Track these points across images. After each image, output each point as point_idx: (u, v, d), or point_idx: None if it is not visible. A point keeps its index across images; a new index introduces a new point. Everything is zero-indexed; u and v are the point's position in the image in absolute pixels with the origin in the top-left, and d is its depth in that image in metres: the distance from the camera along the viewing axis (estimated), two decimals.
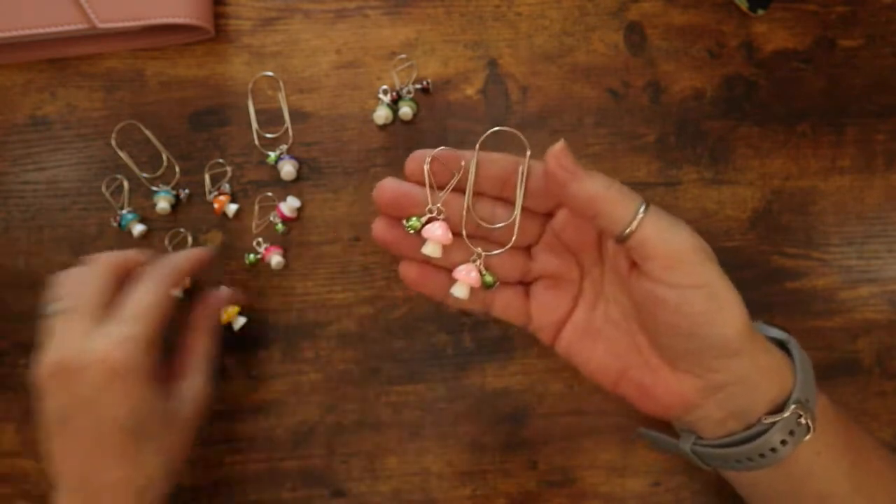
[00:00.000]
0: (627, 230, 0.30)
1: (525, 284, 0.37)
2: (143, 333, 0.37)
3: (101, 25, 0.46)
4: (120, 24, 0.46)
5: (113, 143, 0.49)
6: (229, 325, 0.48)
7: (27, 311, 0.49)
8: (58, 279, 0.40)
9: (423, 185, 0.34)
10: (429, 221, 0.33)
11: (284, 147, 0.49)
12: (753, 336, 0.32)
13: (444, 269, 0.35)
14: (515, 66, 0.50)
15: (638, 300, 0.32)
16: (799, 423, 0.32)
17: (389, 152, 0.49)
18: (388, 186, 0.35)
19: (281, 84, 0.49)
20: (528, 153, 0.32)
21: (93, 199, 0.49)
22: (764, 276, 0.50)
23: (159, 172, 0.49)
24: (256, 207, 0.49)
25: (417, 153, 0.34)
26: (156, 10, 0.46)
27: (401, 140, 0.49)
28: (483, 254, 0.33)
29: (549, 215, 0.36)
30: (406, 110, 0.48)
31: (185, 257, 0.43)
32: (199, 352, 0.43)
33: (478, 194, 0.34)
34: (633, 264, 0.32)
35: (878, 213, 0.51)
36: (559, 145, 0.31)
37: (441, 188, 0.34)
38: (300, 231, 0.49)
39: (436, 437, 0.50)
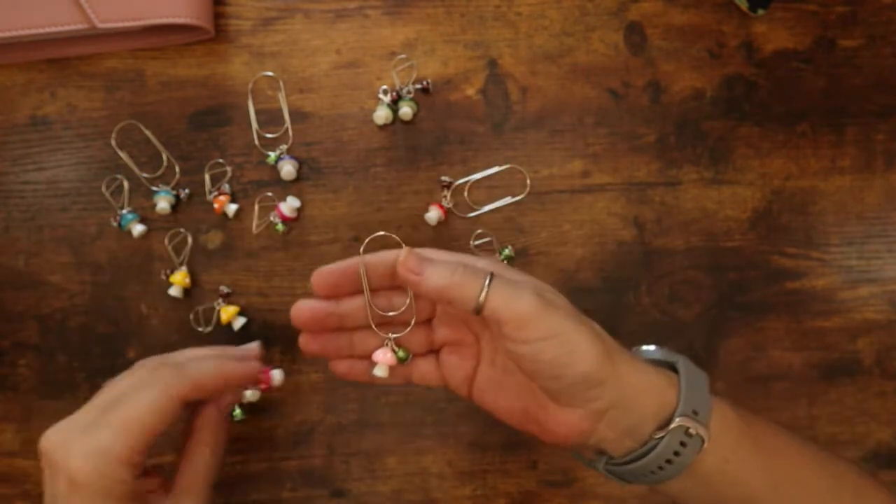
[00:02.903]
0: (476, 306, 0.34)
1: (434, 352, 0.41)
2: (123, 449, 0.34)
3: (101, 25, 0.46)
4: (120, 24, 0.46)
5: (113, 143, 0.49)
6: (229, 325, 0.48)
7: (27, 311, 0.49)
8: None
9: (332, 295, 0.38)
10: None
11: (284, 147, 0.49)
12: (616, 364, 0.35)
13: (367, 359, 0.40)
14: (515, 66, 0.50)
15: (508, 355, 0.37)
16: (689, 434, 0.35)
17: (389, 152, 0.49)
18: (304, 307, 0.38)
19: (281, 84, 0.49)
20: (405, 249, 0.36)
21: (93, 199, 0.49)
22: (764, 276, 0.50)
23: (159, 172, 0.49)
24: (256, 207, 0.49)
25: (320, 271, 0.38)
26: (156, 10, 0.46)
27: (401, 140, 0.49)
28: (392, 336, 0.39)
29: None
30: (406, 110, 0.48)
31: (219, 369, 0.39)
32: (197, 469, 0.39)
33: (375, 290, 0.38)
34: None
35: (878, 213, 0.51)
36: (403, 253, 0.36)
37: (349, 295, 0.38)
38: (300, 231, 0.49)
39: (436, 437, 0.50)
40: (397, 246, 0.37)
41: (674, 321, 0.50)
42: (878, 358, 0.51)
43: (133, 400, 0.35)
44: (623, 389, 0.35)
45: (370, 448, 0.49)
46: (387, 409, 0.49)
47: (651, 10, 0.50)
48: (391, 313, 0.39)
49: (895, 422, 0.51)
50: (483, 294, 0.34)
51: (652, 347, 0.41)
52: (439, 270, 0.35)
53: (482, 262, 0.37)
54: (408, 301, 0.38)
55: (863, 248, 0.51)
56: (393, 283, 0.38)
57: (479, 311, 0.34)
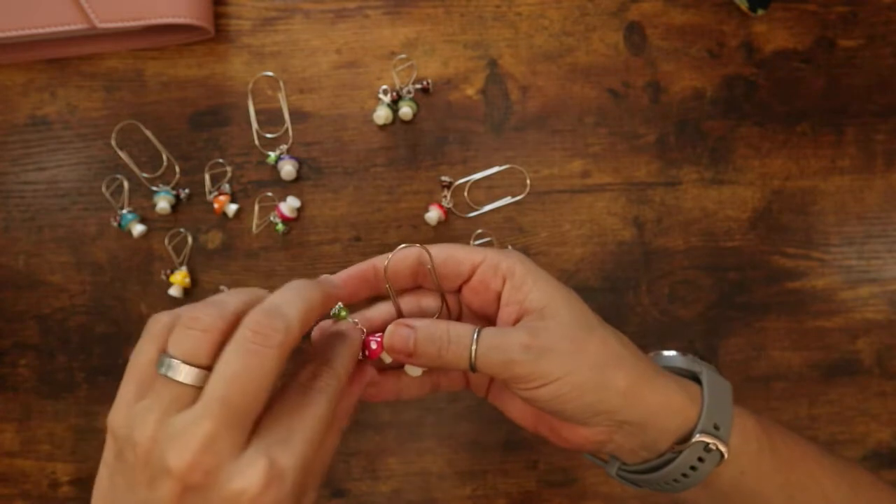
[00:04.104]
0: (472, 368, 0.34)
1: None
2: (298, 463, 0.28)
3: (101, 25, 0.46)
4: (120, 24, 0.46)
5: (113, 143, 0.49)
6: None
7: (27, 311, 0.49)
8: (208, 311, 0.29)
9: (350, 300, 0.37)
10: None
11: (284, 147, 0.49)
12: (625, 387, 0.34)
13: (392, 372, 0.38)
14: (515, 66, 0.50)
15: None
16: (708, 450, 0.34)
17: (389, 152, 0.49)
18: (321, 330, 0.36)
19: (281, 84, 0.49)
20: (431, 264, 0.36)
21: (93, 199, 0.49)
22: (764, 276, 0.50)
23: (159, 172, 0.49)
24: (256, 207, 0.49)
25: (338, 277, 0.36)
26: (156, 10, 0.46)
27: (401, 140, 0.49)
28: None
29: (460, 290, 0.39)
30: (406, 110, 0.48)
31: (352, 354, 0.34)
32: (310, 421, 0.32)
33: (399, 294, 0.38)
34: None
35: (878, 213, 0.51)
36: (388, 336, 0.35)
37: (364, 299, 0.37)
38: (300, 231, 0.49)
39: (436, 437, 0.50)
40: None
41: (674, 321, 0.50)
42: (878, 358, 0.51)
43: (303, 409, 0.30)
44: (642, 410, 0.34)
45: (370, 448, 0.49)
46: (387, 409, 0.49)
47: (651, 10, 0.50)
48: (431, 318, 0.37)
49: (895, 422, 0.51)
50: (473, 360, 0.34)
51: (673, 353, 0.40)
52: (427, 349, 0.34)
53: (508, 259, 0.36)
54: (441, 306, 0.37)
55: (863, 248, 0.51)
56: (415, 283, 0.37)
57: (475, 371, 0.34)
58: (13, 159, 0.49)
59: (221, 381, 0.28)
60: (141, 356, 0.30)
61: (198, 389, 0.28)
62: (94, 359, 0.49)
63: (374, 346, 0.36)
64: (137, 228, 0.48)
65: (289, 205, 0.48)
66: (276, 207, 0.48)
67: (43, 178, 0.49)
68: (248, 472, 0.27)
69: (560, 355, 0.34)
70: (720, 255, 0.50)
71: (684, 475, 0.35)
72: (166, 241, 0.49)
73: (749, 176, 0.50)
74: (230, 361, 0.28)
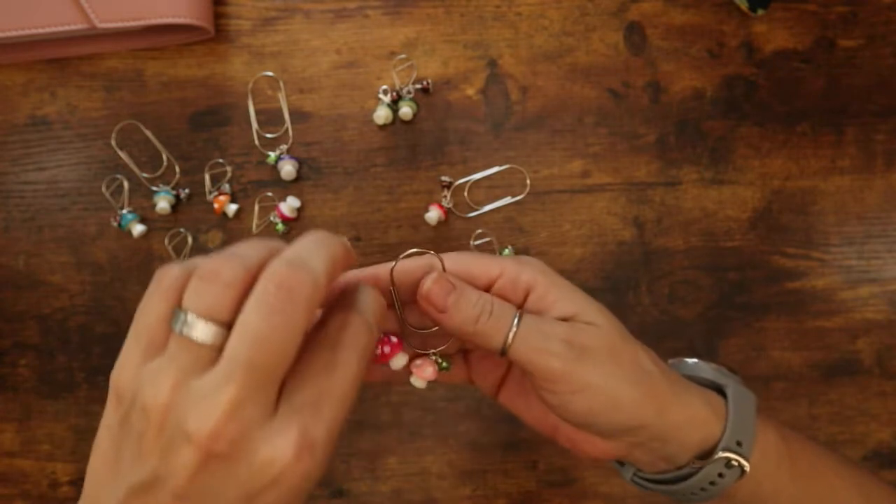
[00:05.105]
0: (501, 352, 0.32)
1: (463, 351, 0.38)
2: (329, 432, 0.26)
3: (101, 25, 0.46)
4: (120, 24, 0.46)
5: (113, 143, 0.49)
6: None
7: (27, 311, 0.49)
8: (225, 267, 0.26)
9: None
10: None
11: (284, 147, 0.49)
12: (656, 405, 0.33)
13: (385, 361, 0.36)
14: (515, 66, 0.50)
15: (539, 399, 0.34)
16: (730, 465, 0.33)
17: (389, 152, 0.49)
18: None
19: (281, 84, 0.49)
20: (441, 264, 0.33)
21: (93, 199, 0.49)
22: (764, 276, 0.50)
23: (159, 172, 0.49)
24: (256, 207, 0.49)
25: (338, 280, 0.32)
26: (156, 10, 0.46)
27: (401, 140, 0.49)
28: (435, 352, 0.35)
29: None
30: (406, 110, 0.48)
31: (377, 302, 0.30)
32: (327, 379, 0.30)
33: (403, 303, 0.35)
34: None
35: (878, 213, 0.51)
36: (429, 283, 0.32)
37: None
38: (300, 231, 0.49)
39: (436, 437, 0.50)
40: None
41: (674, 321, 0.50)
42: (878, 358, 0.51)
43: (331, 371, 0.27)
44: (665, 425, 0.33)
45: (370, 448, 0.49)
46: (387, 409, 0.49)
47: (651, 10, 0.50)
48: (432, 329, 0.35)
49: (895, 422, 0.51)
50: (508, 341, 0.31)
51: (695, 361, 0.38)
52: (464, 311, 0.31)
53: (529, 271, 0.34)
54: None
55: (863, 248, 0.51)
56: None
57: (503, 355, 0.32)
58: (13, 159, 0.49)
59: (245, 342, 0.24)
60: (150, 312, 0.27)
61: (217, 350, 0.25)
62: (94, 359, 0.49)
63: (387, 349, 0.33)
64: (137, 228, 0.48)
65: (289, 205, 0.48)
66: (276, 207, 0.48)
67: (43, 178, 0.49)
68: (278, 442, 0.25)
69: (599, 363, 0.32)
70: (720, 255, 0.50)
71: (703, 489, 0.34)
72: (166, 241, 0.49)
73: (749, 176, 0.50)
74: (253, 320, 0.25)
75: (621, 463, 0.38)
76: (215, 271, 0.25)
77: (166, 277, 0.27)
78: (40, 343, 0.49)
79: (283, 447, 0.25)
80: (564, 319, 0.33)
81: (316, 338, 0.28)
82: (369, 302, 0.29)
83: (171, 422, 0.25)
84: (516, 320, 0.32)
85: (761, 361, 0.51)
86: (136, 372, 0.27)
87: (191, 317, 0.25)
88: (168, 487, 0.25)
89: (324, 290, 0.26)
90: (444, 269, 0.33)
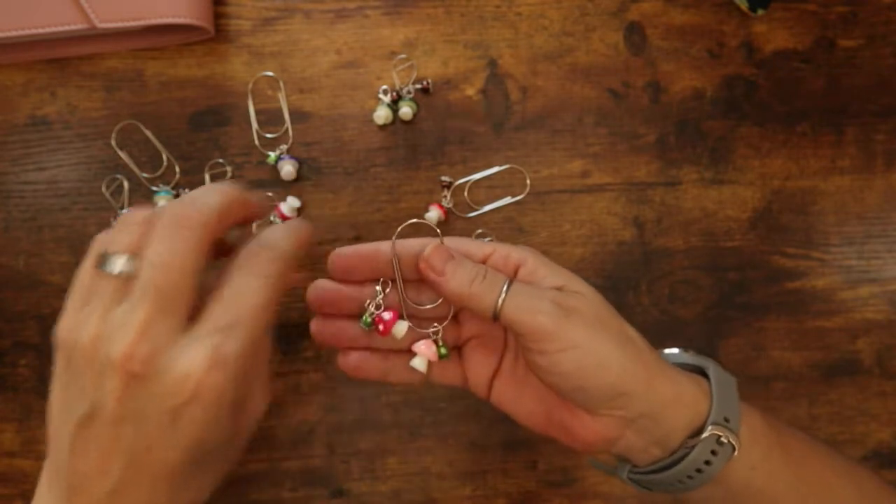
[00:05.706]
0: (493, 315, 0.34)
1: (457, 348, 0.39)
2: (242, 350, 0.28)
3: (101, 25, 0.46)
4: (120, 24, 0.46)
5: (113, 143, 0.49)
6: None
7: (27, 311, 0.49)
8: (130, 220, 0.30)
9: (348, 280, 0.36)
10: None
11: (284, 147, 0.49)
12: (644, 373, 0.34)
13: (381, 352, 0.38)
14: (515, 66, 0.50)
15: (529, 367, 0.36)
16: (721, 443, 0.34)
17: (389, 152, 0.49)
18: (320, 287, 0.36)
19: (281, 84, 0.49)
20: (440, 238, 0.36)
21: (93, 199, 0.49)
22: (764, 276, 0.50)
23: (159, 172, 0.49)
24: None
25: (339, 252, 0.36)
26: (156, 10, 0.46)
27: (401, 140, 0.49)
28: (440, 327, 0.37)
29: None
30: (406, 110, 0.48)
31: (295, 237, 0.33)
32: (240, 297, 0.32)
33: (404, 281, 0.37)
34: None
35: (878, 213, 0.51)
36: (429, 250, 0.35)
37: (363, 281, 0.37)
38: None
39: (436, 437, 0.50)
40: (432, 233, 0.36)
41: (674, 321, 0.50)
42: (878, 358, 0.51)
43: (237, 293, 0.30)
44: (654, 400, 0.34)
45: (370, 448, 0.49)
46: (387, 409, 0.49)
47: (651, 10, 0.50)
48: (428, 306, 0.37)
49: (895, 422, 0.51)
50: (500, 303, 0.33)
51: (676, 350, 0.40)
52: (460, 276, 0.34)
53: (519, 250, 0.36)
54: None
55: (863, 248, 0.51)
56: (419, 274, 0.36)
57: (496, 318, 0.34)
58: (13, 159, 0.49)
59: (150, 267, 0.28)
60: (82, 269, 0.30)
61: (134, 281, 0.28)
62: None
63: (387, 316, 0.36)
64: None
65: (289, 205, 0.48)
66: (276, 207, 0.48)
67: (43, 178, 0.49)
68: (191, 357, 0.27)
69: (587, 324, 0.33)
70: (720, 255, 0.50)
71: (698, 470, 0.34)
72: None
73: (749, 176, 0.50)
74: (155, 247, 0.28)
75: (614, 467, 0.39)
76: (126, 218, 0.30)
77: (94, 243, 0.31)
78: (40, 343, 0.49)
79: (195, 361, 0.27)
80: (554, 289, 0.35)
81: (229, 265, 0.31)
82: (279, 236, 0.33)
83: (100, 352, 0.28)
84: (507, 285, 0.34)
85: (761, 361, 0.51)
86: (74, 320, 0.29)
87: (110, 255, 0.29)
88: (105, 414, 0.28)
89: (216, 221, 0.30)
90: (441, 240, 0.36)
